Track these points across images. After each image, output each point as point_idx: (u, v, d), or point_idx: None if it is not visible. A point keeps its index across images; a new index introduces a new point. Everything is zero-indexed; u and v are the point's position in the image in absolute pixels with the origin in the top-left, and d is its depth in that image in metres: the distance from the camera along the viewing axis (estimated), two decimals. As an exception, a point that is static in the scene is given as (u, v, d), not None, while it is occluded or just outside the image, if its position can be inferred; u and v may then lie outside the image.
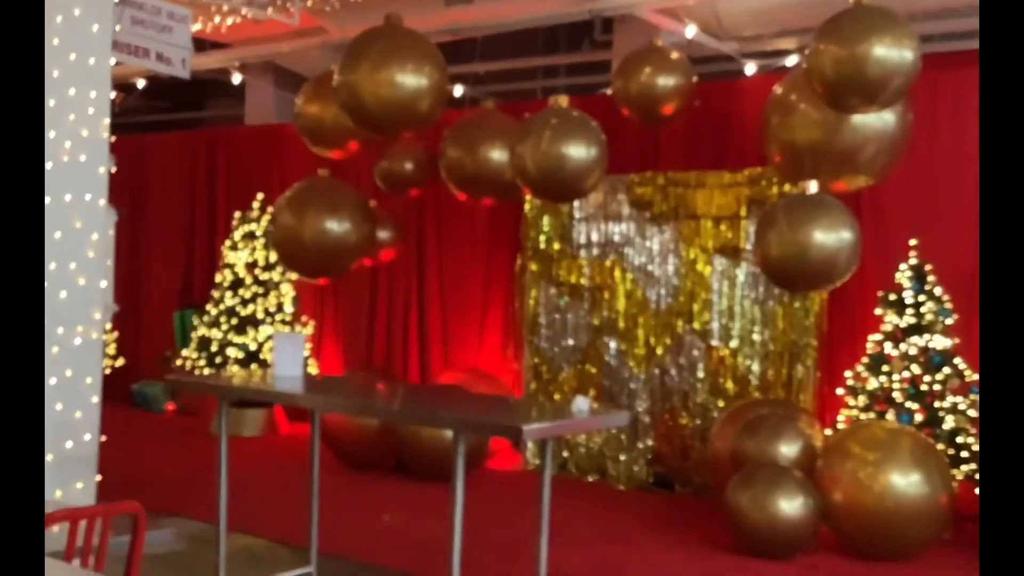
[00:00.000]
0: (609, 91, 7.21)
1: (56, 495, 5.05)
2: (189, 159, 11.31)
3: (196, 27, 8.92)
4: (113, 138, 5.32)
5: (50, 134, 4.98)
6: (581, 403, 3.96)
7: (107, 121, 5.23)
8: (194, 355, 9.14)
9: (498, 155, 7.23)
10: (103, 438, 5.33)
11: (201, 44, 9.91)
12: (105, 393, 5.38)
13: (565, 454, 8.32)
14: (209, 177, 11.12)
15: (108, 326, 10.63)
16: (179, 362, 9.44)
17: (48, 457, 5.04)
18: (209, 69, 10.16)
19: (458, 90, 10.20)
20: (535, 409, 4.96)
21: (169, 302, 10.97)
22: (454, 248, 9.41)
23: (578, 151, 6.23)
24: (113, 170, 5.39)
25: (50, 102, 4.98)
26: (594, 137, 6.33)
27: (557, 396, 8.41)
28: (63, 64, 5.02)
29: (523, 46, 10.69)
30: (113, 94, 11.25)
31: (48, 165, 4.98)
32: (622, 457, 8.04)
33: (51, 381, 5.04)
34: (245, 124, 11.34)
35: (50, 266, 5.01)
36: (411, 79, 6.50)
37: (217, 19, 8.61)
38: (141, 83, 10.75)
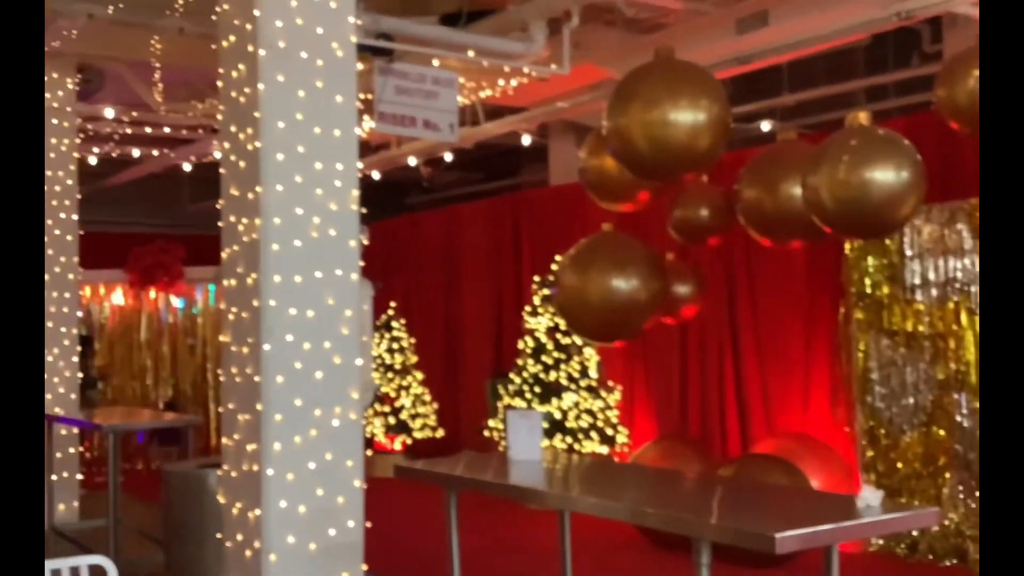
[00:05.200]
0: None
1: (320, 585, 4.83)
2: (495, 226, 11.32)
3: (486, 93, 8.87)
4: (365, 210, 5.13)
5: (297, 210, 4.87)
6: (870, 496, 3.04)
7: (356, 193, 5.06)
8: (500, 426, 8.90)
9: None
10: (368, 524, 5.06)
11: (498, 111, 9.86)
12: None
13: (915, 533, 7.04)
14: (514, 242, 11.03)
15: (374, 405, 10.81)
16: (486, 433, 9.26)
17: (311, 546, 4.84)
18: (506, 133, 10.07)
19: (765, 125, 9.35)
20: (812, 505, 4.03)
21: (483, 371, 10.93)
22: (769, 299, 8.47)
23: (885, 176, 5.20)
24: (365, 243, 5.19)
25: (296, 178, 4.88)
26: (906, 157, 5.26)
27: (900, 465, 7.19)
28: (308, 138, 4.91)
29: (840, 70, 9.61)
30: (423, 169, 11.65)
31: (297, 243, 4.87)
32: (986, 539, 6.63)
33: (310, 466, 4.86)
34: (550, 186, 11.17)
35: (304, 346, 4.86)
36: (686, 116, 5.82)
37: (501, 82, 8.45)
38: (448, 156, 10.93)
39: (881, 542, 7.24)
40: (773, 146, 6.87)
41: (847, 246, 7.41)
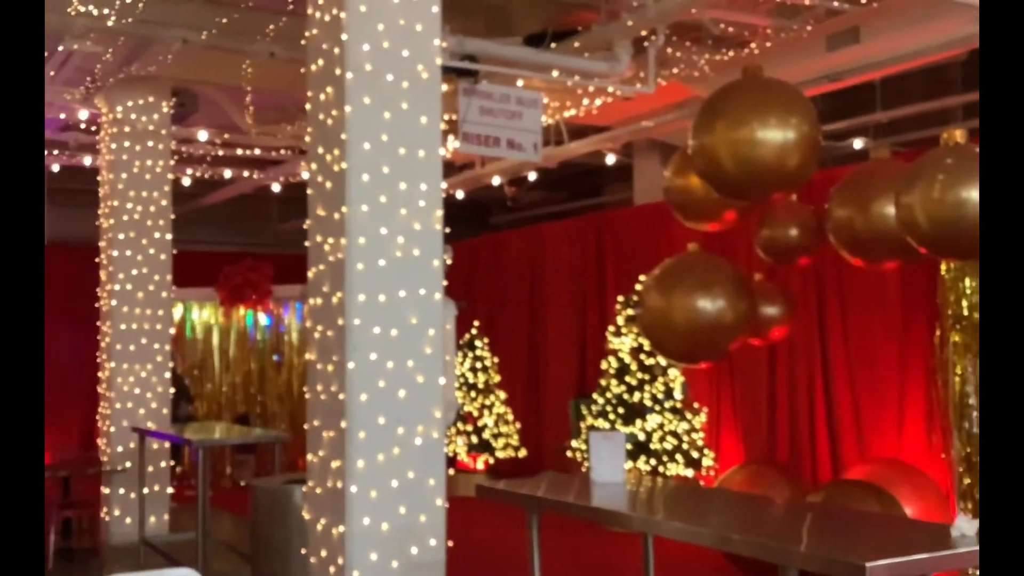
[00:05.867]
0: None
1: (402, 604, 4.83)
2: (579, 245, 11.28)
3: (569, 113, 8.87)
4: (448, 230, 5.15)
5: (382, 230, 4.91)
6: (965, 526, 2.91)
7: (439, 213, 5.08)
8: (583, 447, 8.83)
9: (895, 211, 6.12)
10: (450, 544, 5.06)
11: (582, 131, 9.85)
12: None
13: None
14: (597, 262, 10.98)
15: (456, 423, 10.78)
16: (569, 453, 9.20)
17: (393, 564, 4.86)
18: (590, 152, 10.04)
19: (857, 143, 9.15)
20: (905, 534, 3.90)
21: (566, 391, 10.87)
22: (861, 320, 8.25)
23: (984, 194, 5.01)
24: (449, 262, 5.21)
25: (381, 198, 4.93)
26: (1006, 175, 5.07)
27: (999, 495, 6.90)
28: (392, 159, 4.96)
29: (935, 86, 9.34)
30: (506, 189, 11.69)
31: (381, 262, 4.91)
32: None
33: (393, 484, 4.88)
34: (634, 205, 11.09)
35: (387, 364, 4.89)
36: (775, 134, 5.73)
37: (586, 101, 8.44)
38: (532, 176, 10.95)
39: (977, 573, 6.95)
40: (866, 164, 6.72)
41: (943, 267, 7.16)
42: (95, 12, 6.86)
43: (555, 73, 7.29)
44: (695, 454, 8.78)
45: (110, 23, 6.91)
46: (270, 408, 12.93)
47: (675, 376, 8.92)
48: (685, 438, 8.79)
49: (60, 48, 7.39)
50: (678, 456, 8.69)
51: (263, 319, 12.98)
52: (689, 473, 8.74)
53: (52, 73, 8.14)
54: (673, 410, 8.80)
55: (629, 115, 9.30)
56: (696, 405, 9.07)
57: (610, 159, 10.21)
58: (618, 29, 6.96)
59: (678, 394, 8.90)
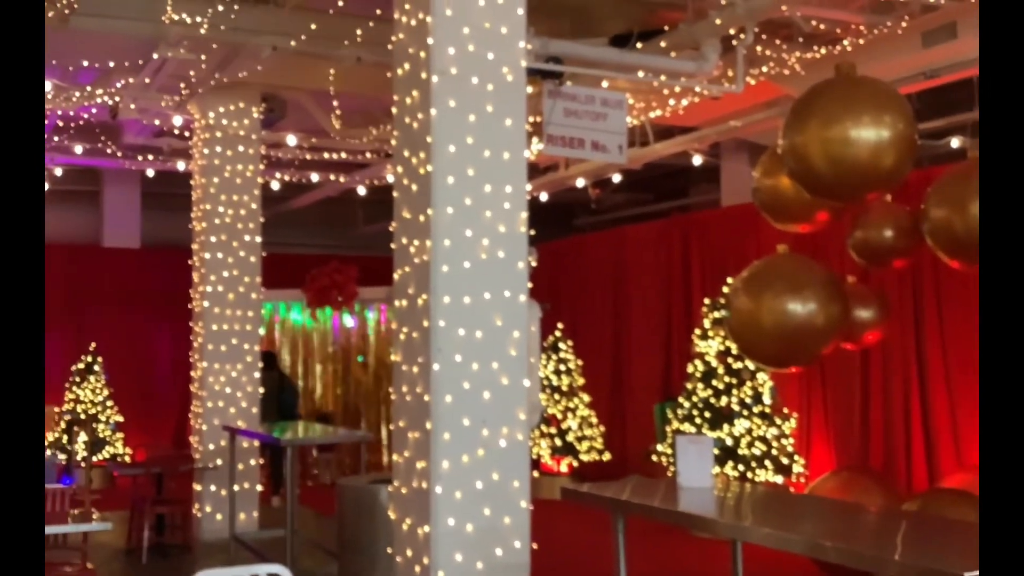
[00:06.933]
0: None
1: (486, 607, 4.82)
2: (664, 247, 11.16)
3: (655, 113, 8.78)
4: (532, 232, 5.13)
5: (467, 232, 4.92)
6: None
7: (524, 215, 5.06)
8: (668, 451, 8.71)
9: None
10: (534, 546, 5.03)
11: (668, 131, 9.74)
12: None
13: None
14: (683, 263, 10.84)
15: (540, 426, 10.71)
16: (655, 458, 9.09)
17: (478, 565, 4.85)
18: (675, 153, 9.91)
19: (955, 142, 8.85)
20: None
21: (651, 394, 10.75)
22: (958, 324, 7.97)
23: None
24: (533, 264, 5.19)
25: (466, 200, 4.93)
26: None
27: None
28: (477, 161, 4.96)
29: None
30: (591, 191, 11.61)
31: (466, 264, 4.91)
32: None
33: (477, 485, 4.87)
34: (722, 206, 10.93)
35: (472, 366, 4.89)
36: (869, 133, 5.58)
37: (672, 102, 8.33)
38: (616, 177, 10.87)
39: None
40: (963, 164, 6.50)
41: (1047, 269, 6.89)
42: (188, 20, 7.03)
43: (641, 74, 7.22)
44: (785, 460, 8.60)
45: (203, 31, 7.07)
46: (354, 408, 13.09)
47: (764, 380, 8.75)
48: (774, 444, 8.61)
49: (155, 56, 7.59)
50: (767, 462, 8.52)
51: (348, 320, 13.15)
52: (779, 479, 8.56)
53: (147, 80, 8.37)
54: (762, 415, 8.63)
55: (716, 115, 9.16)
56: (786, 410, 8.88)
57: (696, 160, 10.08)
58: (706, 28, 6.85)
59: (767, 399, 8.73)
